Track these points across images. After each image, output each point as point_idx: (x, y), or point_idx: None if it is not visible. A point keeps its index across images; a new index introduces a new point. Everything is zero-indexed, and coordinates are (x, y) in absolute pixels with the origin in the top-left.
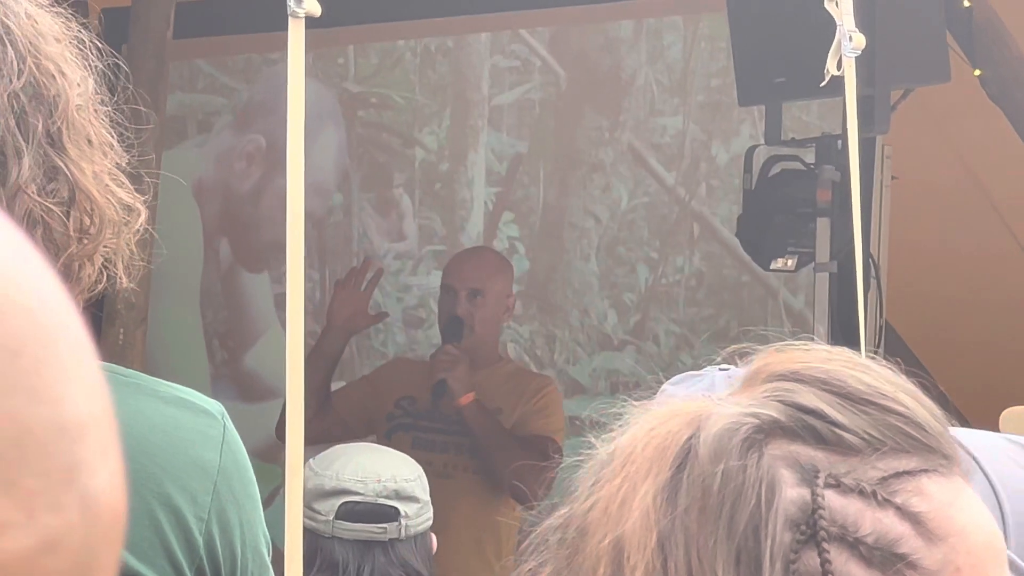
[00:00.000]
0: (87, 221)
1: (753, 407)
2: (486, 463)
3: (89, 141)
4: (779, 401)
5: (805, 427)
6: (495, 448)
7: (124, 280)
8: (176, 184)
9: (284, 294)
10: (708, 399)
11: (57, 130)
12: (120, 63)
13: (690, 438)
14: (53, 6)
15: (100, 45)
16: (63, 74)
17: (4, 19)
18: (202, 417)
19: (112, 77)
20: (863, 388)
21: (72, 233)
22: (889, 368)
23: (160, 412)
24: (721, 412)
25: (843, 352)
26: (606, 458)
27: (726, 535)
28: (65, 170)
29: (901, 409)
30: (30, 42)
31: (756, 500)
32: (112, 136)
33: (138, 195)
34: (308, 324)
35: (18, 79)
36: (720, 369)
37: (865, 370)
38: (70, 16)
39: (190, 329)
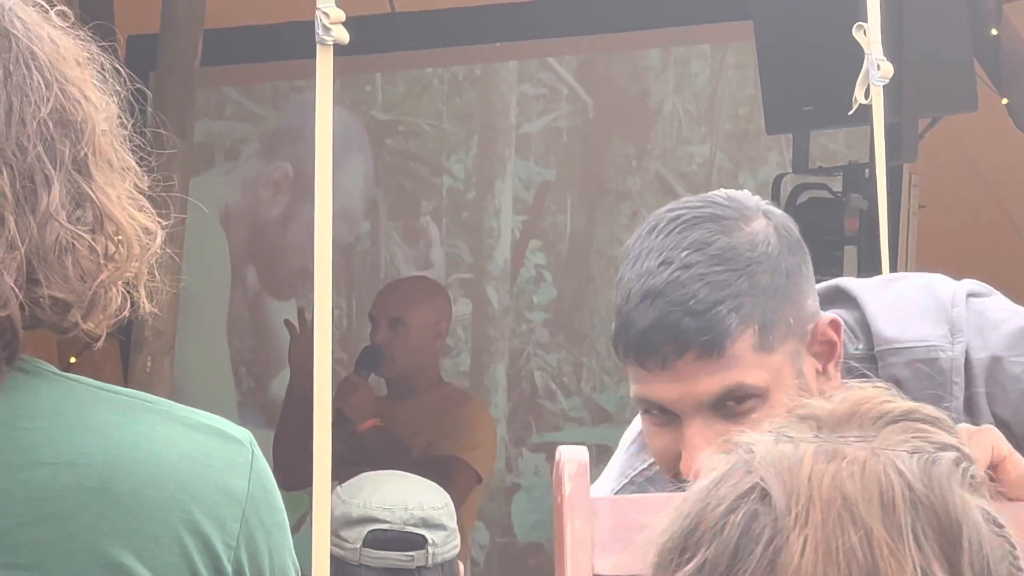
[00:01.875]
0: (112, 247)
1: (921, 451)
2: None
3: (111, 165)
4: (927, 442)
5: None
6: None
7: (147, 305)
8: (204, 211)
9: (311, 322)
10: (833, 439)
11: (84, 156)
12: (143, 87)
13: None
14: (74, 28)
15: (121, 68)
16: (87, 99)
17: (30, 44)
18: (230, 444)
19: (134, 101)
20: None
21: (101, 260)
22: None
23: (188, 439)
24: (901, 458)
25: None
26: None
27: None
28: (92, 196)
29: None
30: (55, 67)
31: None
32: (133, 160)
33: (158, 218)
34: (335, 352)
35: (45, 105)
36: None
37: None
38: (91, 39)
39: (217, 356)
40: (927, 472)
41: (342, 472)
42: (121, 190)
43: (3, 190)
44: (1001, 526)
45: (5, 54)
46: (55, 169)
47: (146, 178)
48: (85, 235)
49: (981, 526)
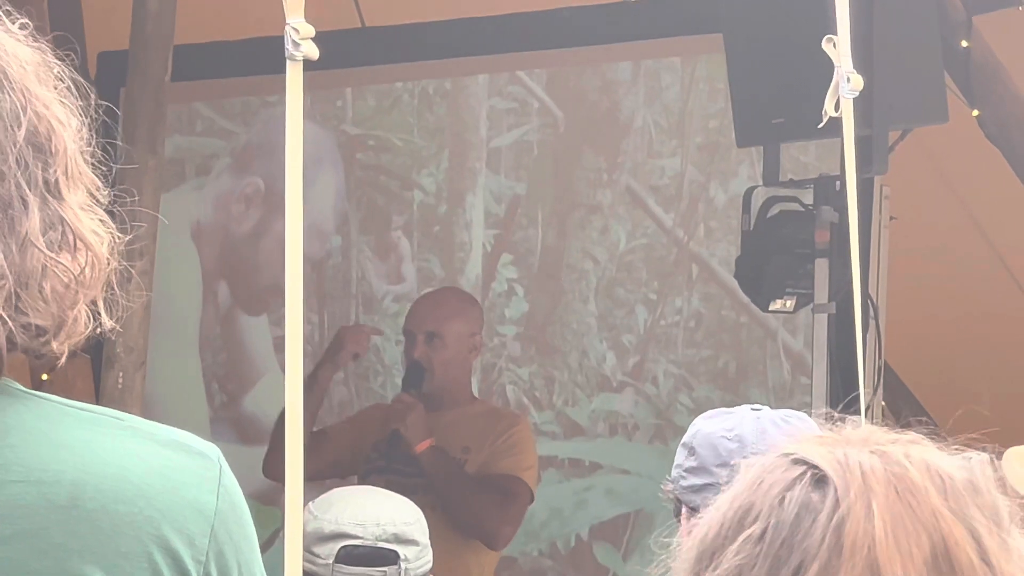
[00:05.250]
0: (84, 270)
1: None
2: (446, 507)
3: (79, 185)
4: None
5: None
6: (453, 493)
7: (109, 322)
8: (175, 227)
9: (283, 337)
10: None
11: (55, 178)
12: (110, 105)
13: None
14: (36, 40)
15: (88, 85)
16: (57, 118)
17: (4, 66)
18: (198, 460)
19: (101, 116)
20: None
21: (74, 284)
22: None
23: (157, 455)
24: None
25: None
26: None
27: None
28: (64, 219)
29: None
30: (26, 86)
31: None
32: (102, 175)
33: (127, 233)
34: (307, 367)
35: (20, 129)
36: (752, 409)
37: None
38: (61, 56)
39: (189, 372)
40: (960, 462)
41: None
42: (87, 209)
43: None
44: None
45: None
46: (31, 193)
47: (112, 193)
48: (61, 260)
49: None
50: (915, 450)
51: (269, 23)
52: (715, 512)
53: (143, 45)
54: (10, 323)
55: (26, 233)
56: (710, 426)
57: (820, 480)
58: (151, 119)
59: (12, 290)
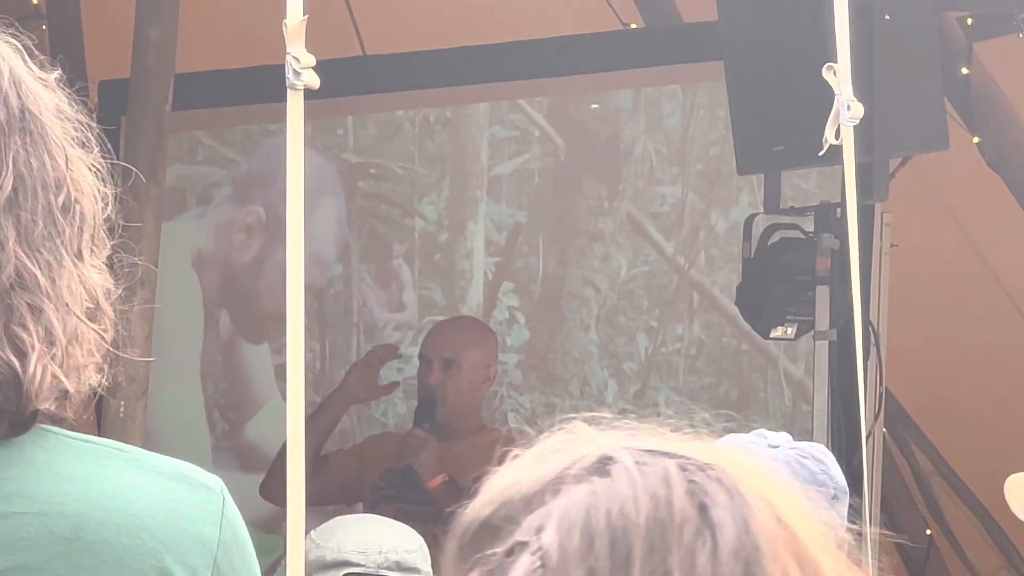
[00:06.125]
0: (101, 333)
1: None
2: None
3: (97, 248)
4: None
5: None
6: None
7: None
8: (176, 256)
9: (284, 365)
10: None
11: (80, 244)
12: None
13: None
14: (55, 81)
15: (109, 148)
16: (90, 185)
17: (48, 128)
18: (201, 492)
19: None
20: None
21: (94, 348)
22: None
23: (159, 487)
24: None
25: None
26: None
27: None
28: (87, 283)
29: None
30: (67, 154)
31: None
32: (107, 235)
33: (117, 290)
34: (308, 395)
35: (60, 195)
36: (770, 445)
37: None
38: (78, 100)
39: (191, 400)
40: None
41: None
42: (101, 271)
43: (39, 282)
44: None
45: (27, 137)
46: (67, 258)
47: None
48: (91, 327)
49: None
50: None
51: (270, 52)
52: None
53: (144, 74)
54: (65, 383)
55: (67, 301)
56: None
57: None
58: (152, 148)
59: (63, 356)
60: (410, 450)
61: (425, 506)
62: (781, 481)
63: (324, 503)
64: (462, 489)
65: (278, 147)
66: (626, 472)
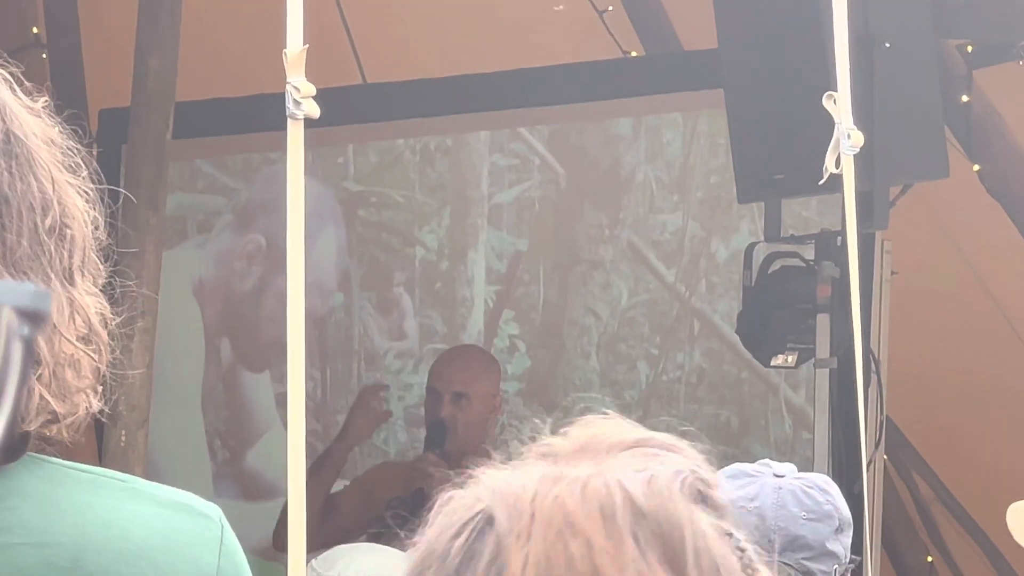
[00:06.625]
0: (95, 358)
1: (656, 466)
2: None
3: (88, 271)
4: (655, 463)
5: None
6: None
7: (96, 405)
8: (177, 284)
9: (285, 393)
10: (561, 467)
11: (71, 266)
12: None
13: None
14: (53, 119)
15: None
16: (78, 208)
17: (28, 145)
18: (200, 520)
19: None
20: (668, 441)
21: (88, 372)
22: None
23: (159, 516)
24: (622, 472)
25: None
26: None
27: None
28: (79, 306)
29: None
30: (53, 175)
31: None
32: (100, 259)
33: (114, 317)
34: (309, 423)
35: (47, 217)
36: (775, 475)
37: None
38: (66, 126)
39: (192, 429)
40: (648, 485)
41: None
42: (94, 295)
43: None
44: (730, 534)
45: (11, 160)
46: (55, 280)
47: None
48: (81, 348)
49: (708, 533)
50: (615, 465)
51: (270, 80)
52: (408, 558)
53: (144, 102)
54: (53, 404)
55: (55, 322)
56: (731, 490)
57: (488, 521)
58: (153, 177)
59: (51, 377)
60: (422, 475)
61: None
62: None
63: (337, 543)
64: None
65: (278, 175)
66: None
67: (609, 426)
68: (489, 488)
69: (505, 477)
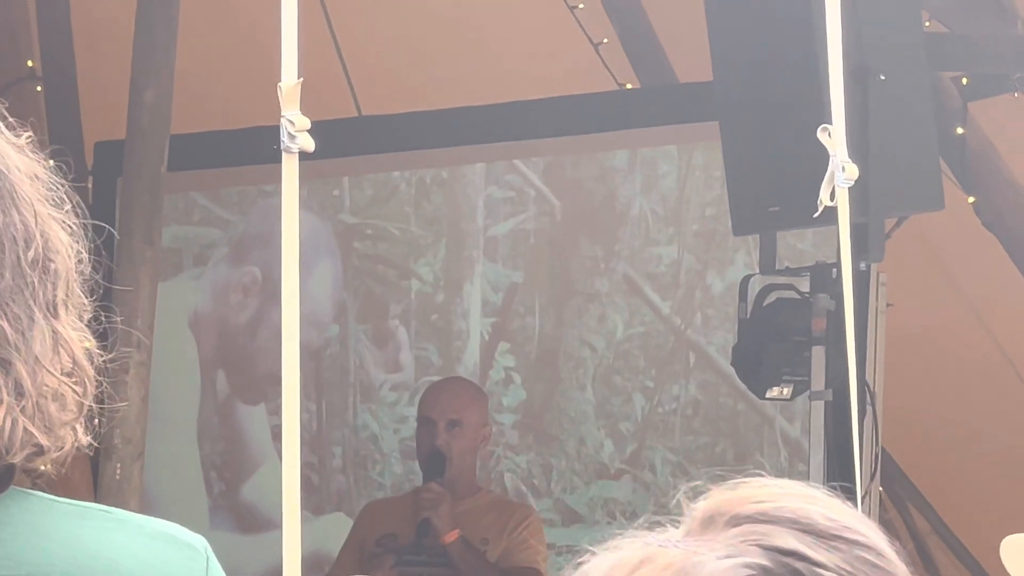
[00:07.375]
0: (80, 391)
1: (738, 555)
2: None
3: (73, 305)
4: (758, 546)
5: (791, 571)
6: None
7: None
8: (172, 317)
9: (280, 425)
10: (668, 543)
11: (55, 300)
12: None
13: None
14: (36, 154)
15: (84, 206)
16: (61, 242)
17: (11, 179)
18: (186, 551)
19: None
20: (830, 524)
21: (72, 406)
22: (838, 498)
23: (144, 547)
24: (708, 563)
25: (793, 485)
26: None
27: None
28: (63, 340)
29: (865, 540)
30: (36, 209)
31: None
32: (85, 293)
33: (100, 352)
34: (304, 455)
35: (29, 250)
36: None
37: (824, 503)
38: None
39: (187, 461)
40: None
41: None
42: (79, 329)
43: (7, 335)
44: None
45: None
46: (38, 313)
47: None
48: (64, 381)
49: None
50: (714, 545)
51: (265, 113)
52: None
53: (140, 135)
54: (37, 437)
55: (36, 354)
56: None
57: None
58: (148, 209)
59: (35, 409)
60: (426, 504)
61: (430, 566)
62: None
63: None
64: (477, 549)
65: (274, 208)
66: None
67: (740, 493)
68: (584, 570)
69: (608, 555)
